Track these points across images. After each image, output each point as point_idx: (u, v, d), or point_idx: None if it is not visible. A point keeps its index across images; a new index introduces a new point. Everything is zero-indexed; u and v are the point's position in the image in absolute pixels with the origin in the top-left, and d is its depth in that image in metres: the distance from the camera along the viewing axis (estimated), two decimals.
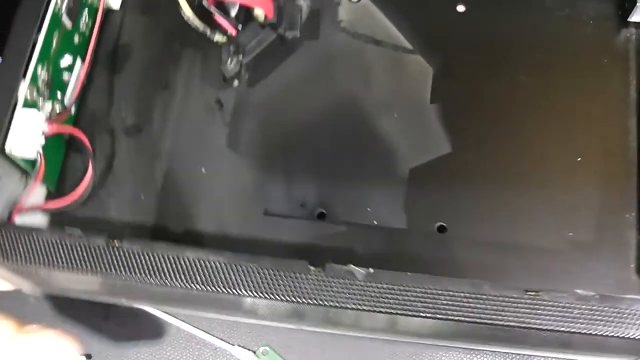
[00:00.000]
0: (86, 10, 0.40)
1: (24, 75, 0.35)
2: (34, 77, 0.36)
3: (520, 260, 0.36)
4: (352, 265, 0.29)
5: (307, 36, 0.41)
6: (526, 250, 0.36)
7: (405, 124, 0.39)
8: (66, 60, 0.39)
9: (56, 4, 0.37)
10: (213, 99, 0.40)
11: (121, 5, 0.43)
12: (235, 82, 0.39)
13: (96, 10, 0.41)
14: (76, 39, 0.40)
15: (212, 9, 0.38)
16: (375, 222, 0.37)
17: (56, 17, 0.37)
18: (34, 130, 0.35)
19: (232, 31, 0.39)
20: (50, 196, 0.38)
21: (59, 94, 0.38)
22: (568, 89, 0.39)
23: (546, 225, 0.37)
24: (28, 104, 0.35)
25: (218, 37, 0.39)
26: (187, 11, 0.38)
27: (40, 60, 0.36)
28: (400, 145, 0.39)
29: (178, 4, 0.38)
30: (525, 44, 0.41)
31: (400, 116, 0.39)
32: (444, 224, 0.37)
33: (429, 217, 0.37)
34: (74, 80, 0.39)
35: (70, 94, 0.39)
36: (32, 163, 0.36)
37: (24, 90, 0.35)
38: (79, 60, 0.40)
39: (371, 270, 0.29)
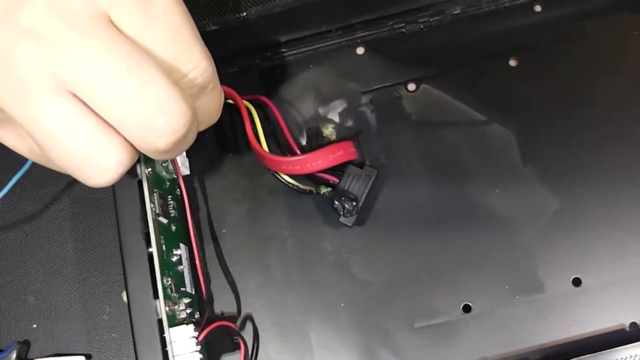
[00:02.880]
0: (170, 197, 0.41)
1: (156, 296, 0.36)
2: (166, 294, 0.36)
3: None
4: None
5: (382, 136, 0.42)
6: None
7: (510, 194, 0.40)
8: (175, 253, 0.39)
9: (153, 212, 0.38)
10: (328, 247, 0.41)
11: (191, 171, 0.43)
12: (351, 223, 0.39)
13: (178, 191, 0.41)
14: (173, 227, 0.40)
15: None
16: (517, 297, 0.39)
17: (160, 224, 0.38)
18: (189, 344, 0.36)
19: (334, 180, 0.39)
20: None
21: (183, 287, 0.39)
22: None
23: None
24: (172, 322, 0.36)
25: (324, 190, 0.40)
26: (293, 181, 0.39)
27: (162, 273, 0.37)
28: (512, 216, 0.40)
29: (279, 177, 0.39)
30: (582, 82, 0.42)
31: (501, 189, 0.40)
32: (579, 277, 0.39)
33: (563, 273, 0.39)
34: (187, 268, 0.40)
35: (190, 283, 0.40)
36: None
37: (163, 310, 0.36)
38: (182, 246, 0.40)
39: None
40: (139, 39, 0.27)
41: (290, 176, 0.39)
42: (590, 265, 0.39)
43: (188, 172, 0.42)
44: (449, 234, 0.40)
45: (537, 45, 0.42)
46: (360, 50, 0.43)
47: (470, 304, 0.39)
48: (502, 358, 0.38)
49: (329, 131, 0.42)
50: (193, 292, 0.40)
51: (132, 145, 0.28)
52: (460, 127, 0.42)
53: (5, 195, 0.39)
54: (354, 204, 0.39)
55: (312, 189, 0.40)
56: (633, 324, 0.38)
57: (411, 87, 0.42)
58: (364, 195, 0.39)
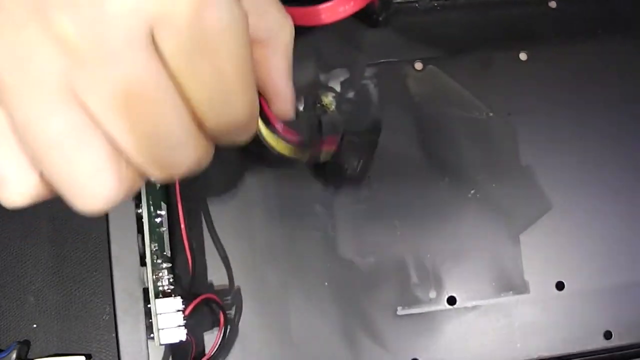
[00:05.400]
0: None
1: (144, 264, 0.34)
2: (153, 263, 0.34)
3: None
4: None
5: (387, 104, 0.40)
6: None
7: (504, 189, 0.40)
8: (159, 214, 0.36)
9: None
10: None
11: None
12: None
13: None
14: (157, 185, 0.37)
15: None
16: (502, 295, 0.39)
17: (148, 182, 0.35)
18: (176, 317, 0.34)
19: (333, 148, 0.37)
20: None
21: (164, 251, 0.36)
22: None
23: None
24: (159, 292, 0.34)
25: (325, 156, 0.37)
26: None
27: (151, 239, 0.34)
28: (505, 212, 0.40)
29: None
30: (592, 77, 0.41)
31: (497, 183, 0.40)
32: (562, 281, 0.39)
33: (547, 276, 0.39)
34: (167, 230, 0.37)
35: (169, 247, 0.37)
36: None
37: (151, 279, 0.33)
38: (163, 205, 0.37)
39: None
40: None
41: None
42: (574, 271, 0.39)
43: None
44: (439, 224, 0.40)
45: (549, 42, 0.41)
46: None
47: (456, 297, 0.39)
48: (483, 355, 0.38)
49: (328, 100, 0.40)
50: (169, 255, 0.37)
51: (130, 180, 0.24)
52: (462, 114, 0.41)
53: None
54: (360, 161, 0.37)
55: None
56: (607, 333, 0.39)
57: (418, 66, 0.41)
58: (366, 162, 0.37)
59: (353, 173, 0.36)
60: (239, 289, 0.38)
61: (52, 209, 0.40)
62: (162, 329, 0.33)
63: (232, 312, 0.37)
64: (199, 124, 0.24)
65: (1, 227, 0.40)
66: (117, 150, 0.23)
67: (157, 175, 0.24)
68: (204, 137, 0.25)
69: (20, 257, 0.39)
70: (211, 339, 0.37)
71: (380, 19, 0.39)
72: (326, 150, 0.37)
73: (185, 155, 0.24)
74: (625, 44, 0.42)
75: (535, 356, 0.38)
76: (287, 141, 0.34)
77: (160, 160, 0.24)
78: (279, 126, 0.32)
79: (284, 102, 0.31)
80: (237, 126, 0.25)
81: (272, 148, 0.34)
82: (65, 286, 0.39)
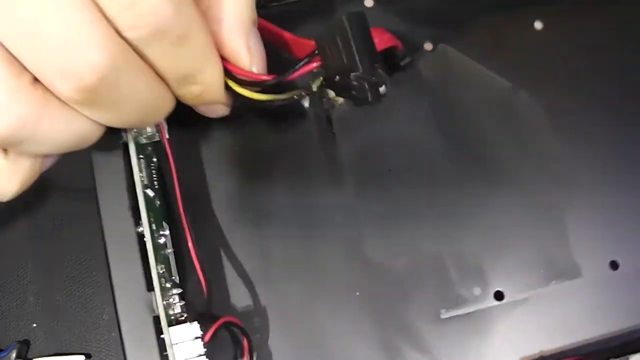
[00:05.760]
0: (152, 165, 0.34)
1: (151, 289, 0.30)
2: (162, 287, 0.30)
3: None
4: None
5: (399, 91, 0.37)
6: None
7: (539, 169, 0.36)
8: (162, 234, 0.32)
9: (143, 182, 0.31)
10: None
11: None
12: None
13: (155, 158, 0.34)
14: (157, 202, 0.33)
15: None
16: (553, 283, 0.35)
17: (147, 198, 0.31)
18: (195, 346, 0.29)
19: (316, 66, 0.30)
20: None
21: (172, 275, 0.32)
22: None
23: None
24: (171, 320, 0.30)
25: (315, 84, 0.31)
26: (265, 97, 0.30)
27: (157, 259, 0.30)
28: (542, 193, 0.36)
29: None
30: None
31: (529, 164, 0.36)
32: (616, 259, 0.36)
33: (599, 257, 0.36)
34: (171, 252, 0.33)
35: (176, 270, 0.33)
36: None
37: (161, 304, 0.29)
38: (164, 224, 0.33)
39: None
40: None
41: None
42: (628, 247, 0.35)
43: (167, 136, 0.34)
44: (473, 213, 0.36)
45: (564, 7, 0.38)
46: (369, 3, 0.38)
47: (503, 291, 0.35)
48: (541, 352, 0.34)
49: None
50: (178, 282, 0.33)
51: (37, 99, 0.23)
52: (482, 93, 0.37)
53: None
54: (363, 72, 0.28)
55: (295, 93, 0.31)
56: None
57: (428, 46, 0.37)
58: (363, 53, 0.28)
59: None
60: (260, 308, 0.33)
61: (52, 209, 0.38)
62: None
63: (257, 335, 0.33)
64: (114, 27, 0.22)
65: (1, 227, 0.39)
66: (17, 63, 0.22)
67: (65, 90, 0.22)
68: (119, 40, 0.22)
69: (20, 257, 0.38)
70: None
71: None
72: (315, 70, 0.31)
73: (90, 54, 0.21)
74: None
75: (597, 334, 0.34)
76: (260, 83, 0.29)
77: (55, 59, 0.21)
78: (239, 71, 0.28)
79: (243, 61, 0.27)
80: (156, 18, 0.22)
81: (253, 99, 0.30)
82: (65, 286, 0.38)
